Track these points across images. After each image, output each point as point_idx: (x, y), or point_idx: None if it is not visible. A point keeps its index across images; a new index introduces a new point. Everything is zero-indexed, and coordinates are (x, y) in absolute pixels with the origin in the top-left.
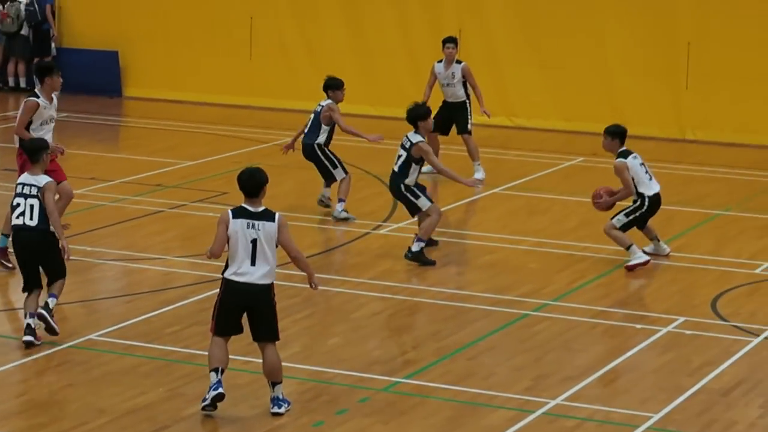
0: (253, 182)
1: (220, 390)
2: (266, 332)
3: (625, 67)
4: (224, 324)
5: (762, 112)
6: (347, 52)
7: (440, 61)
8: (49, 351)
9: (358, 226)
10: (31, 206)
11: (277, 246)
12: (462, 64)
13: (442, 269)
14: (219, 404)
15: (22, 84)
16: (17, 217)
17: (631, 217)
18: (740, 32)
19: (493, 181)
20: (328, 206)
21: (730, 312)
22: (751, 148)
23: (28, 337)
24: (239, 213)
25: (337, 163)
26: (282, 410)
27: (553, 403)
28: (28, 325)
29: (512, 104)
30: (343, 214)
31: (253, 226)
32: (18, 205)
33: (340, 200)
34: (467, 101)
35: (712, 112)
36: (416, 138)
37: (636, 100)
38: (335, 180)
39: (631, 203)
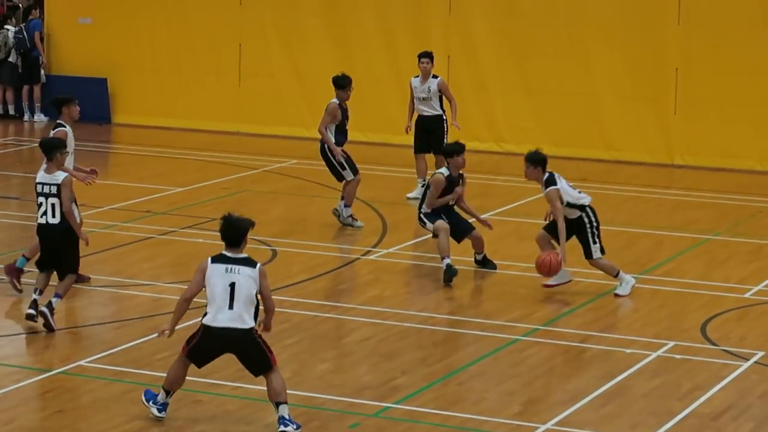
0: (234, 230)
1: (163, 414)
2: (260, 367)
3: (614, 93)
4: (198, 357)
5: (750, 137)
6: None
7: (417, 76)
8: (39, 378)
9: (348, 252)
10: (53, 205)
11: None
12: (438, 78)
13: (432, 294)
14: (210, 429)
15: (11, 111)
16: (41, 216)
17: (597, 239)
18: (728, 58)
19: (482, 206)
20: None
21: (720, 336)
22: (739, 172)
23: (31, 311)
24: (218, 259)
25: (345, 164)
26: (289, 428)
27: (543, 427)
28: (34, 300)
29: (501, 130)
30: (349, 220)
31: (232, 270)
32: (40, 204)
33: (346, 205)
34: (443, 117)
35: (701, 137)
36: (440, 170)
37: (625, 126)
38: (345, 180)
39: (588, 233)
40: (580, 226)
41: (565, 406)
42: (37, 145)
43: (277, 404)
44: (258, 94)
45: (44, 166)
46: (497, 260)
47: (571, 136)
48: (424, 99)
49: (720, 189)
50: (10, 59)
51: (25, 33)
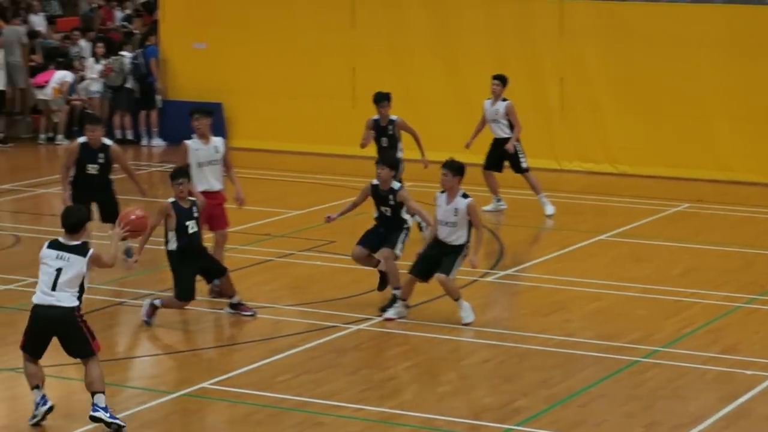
0: (72, 218)
1: (49, 404)
2: (79, 350)
3: (727, 113)
4: (30, 343)
5: None
6: (446, 101)
7: (490, 98)
8: (162, 399)
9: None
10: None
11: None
12: (507, 102)
13: (550, 316)
14: None
15: (129, 136)
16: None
17: (461, 263)
18: None
19: (597, 227)
20: None
21: None
22: None
23: None
24: (52, 245)
25: None
26: (99, 414)
27: None
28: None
29: (615, 151)
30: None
31: (61, 257)
32: None
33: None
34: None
35: None
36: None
37: (738, 146)
38: None
39: (460, 256)
40: (457, 249)
41: (687, 429)
42: (154, 169)
43: (93, 393)
44: (371, 116)
45: None
46: (614, 281)
47: (684, 156)
48: (493, 121)
49: None
50: (127, 85)
51: (141, 59)
